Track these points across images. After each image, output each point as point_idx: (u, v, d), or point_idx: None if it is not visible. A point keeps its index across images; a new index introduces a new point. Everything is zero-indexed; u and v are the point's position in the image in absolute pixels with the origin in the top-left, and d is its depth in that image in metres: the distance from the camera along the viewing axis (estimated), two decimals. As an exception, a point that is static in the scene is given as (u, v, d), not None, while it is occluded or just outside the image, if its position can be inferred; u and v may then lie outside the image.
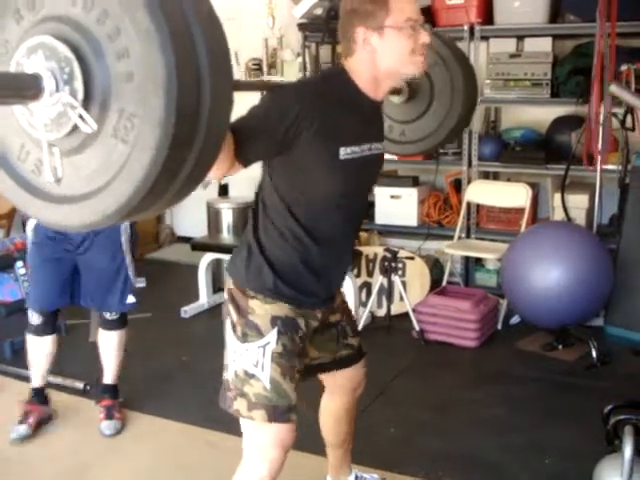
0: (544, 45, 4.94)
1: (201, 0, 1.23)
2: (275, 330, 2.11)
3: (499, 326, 4.68)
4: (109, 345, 3.46)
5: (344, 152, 2.04)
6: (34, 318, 3.34)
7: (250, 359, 2.10)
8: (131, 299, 3.39)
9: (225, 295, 2.22)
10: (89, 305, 3.51)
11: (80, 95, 1.22)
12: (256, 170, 2.11)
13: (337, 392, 2.62)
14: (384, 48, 2.03)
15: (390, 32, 2.01)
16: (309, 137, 1.94)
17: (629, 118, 4.43)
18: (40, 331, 3.36)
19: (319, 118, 1.95)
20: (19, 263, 4.73)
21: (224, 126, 1.31)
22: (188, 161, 1.25)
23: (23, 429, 3.35)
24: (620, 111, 4.45)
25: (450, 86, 2.57)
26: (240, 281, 2.16)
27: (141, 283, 3.82)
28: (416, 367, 4.20)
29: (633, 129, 4.44)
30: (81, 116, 1.22)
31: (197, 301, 5.14)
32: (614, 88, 4.09)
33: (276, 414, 2.09)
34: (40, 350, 3.39)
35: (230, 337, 2.16)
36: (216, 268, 5.27)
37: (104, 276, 3.32)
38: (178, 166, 1.24)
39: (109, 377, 3.51)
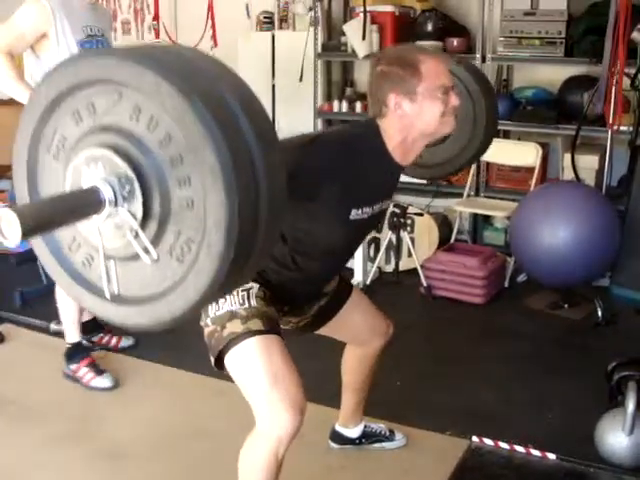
0: (559, 3, 4.89)
1: (266, 137, 1.21)
2: (257, 283, 2.18)
3: (506, 284, 4.72)
4: None
5: (355, 213, 2.10)
6: None
7: (236, 300, 2.13)
8: None
9: None
10: None
11: (139, 214, 1.21)
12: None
13: (356, 344, 2.68)
14: (416, 113, 2.07)
15: (422, 98, 2.05)
16: (326, 195, 2.00)
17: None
18: None
19: (340, 180, 2.00)
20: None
21: (278, 235, 1.35)
22: (244, 271, 1.26)
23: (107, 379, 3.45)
24: (631, 71, 4.43)
25: (472, 116, 2.57)
26: None
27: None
28: (423, 322, 4.26)
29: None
30: (137, 235, 1.23)
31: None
32: (636, 34, 4.06)
33: (270, 322, 2.12)
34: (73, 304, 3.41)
35: None
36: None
37: None
38: (233, 284, 1.28)
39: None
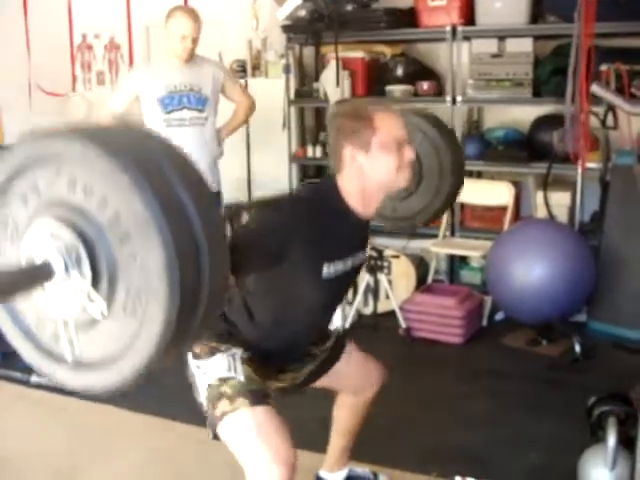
0: (525, 45, 5.00)
1: (192, 179, 1.30)
2: (239, 347, 2.22)
3: (484, 322, 4.74)
4: None
5: (327, 270, 2.14)
6: None
7: (222, 366, 2.18)
8: None
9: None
10: None
11: (88, 276, 1.29)
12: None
13: (350, 394, 2.68)
14: (371, 165, 2.10)
15: (377, 150, 2.09)
16: (294, 256, 2.02)
17: (610, 117, 4.50)
18: None
19: (306, 239, 2.03)
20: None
21: (225, 282, 1.39)
22: (196, 319, 1.31)
23: None
24: (600, 110, 4.52)
25: (438, 169, 2.64)
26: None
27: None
28: (403, 364, 4.25)
29: (614, 128, 4.50)
30: (90, 297, 1.29)
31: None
32: (595, 88, 4.16)
33: (256, 397, 2.14)
34: None
35: (196, 364, 2.23)
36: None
37: None
38: (187, 327, 1.31)
39: None
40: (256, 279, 2.20)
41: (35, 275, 1.30)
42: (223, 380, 2.16)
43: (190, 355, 2.23)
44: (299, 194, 2.22)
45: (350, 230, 2.21)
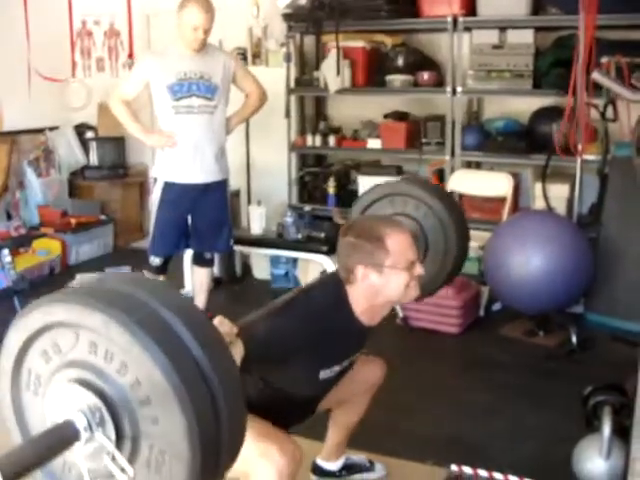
0: (526, 37, 5.00)
1: (209, 339, 1.33)
2: None
3: (481, 313, 4.76)
4: (204, 278, 4.52)
5: (324, 374, 2.22)
6: (156, 261, 4.34)
7: None
8: (232, 242, 4.57)
9: None
10: (199, 249, 4.49)
11: (112, 436, 1.32)
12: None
13: (355, 395, 2.69)
14: (383, 284, 2.17)
15: (389, 271, 2.15)
16: (296, 361, 2.11)
17: (609, 109, 4.50)
18: (160, 270, 4.35)
19: (310, 350, 2.10)
20: (5, 251, 4.73)
21: (243, 433, 1.41)
22: (219, 469, 1.37)
23: None
24: (600, 102, 4.52)
25: (443, 247, 2.69)
26: None
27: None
28: (400, 353, 4.27)
29: (614, 120, 4.51)
30: (113, 457, 1.33)
31: (182, 289, 5.17)
32: (597, 75, 4.15)
33: None
34: None
35: None
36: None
37: (215, 224, 4.36)
38: (211, 476, 1.36)
39: (201, 304, 4.35)
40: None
41: (59, 441, 1.32)
42: None
43: None
44: (311, 300, 2.23)
45: (352, 338, 2.30)
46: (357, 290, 2.20)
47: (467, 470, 2.93)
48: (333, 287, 2.24)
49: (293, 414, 2.38)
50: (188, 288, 5.15)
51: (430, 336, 4.48)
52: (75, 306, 1.32)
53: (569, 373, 3.87)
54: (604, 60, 4.40)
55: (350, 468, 2.93)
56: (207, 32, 4.07)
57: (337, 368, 2.27)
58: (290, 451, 2.08)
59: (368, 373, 2.66)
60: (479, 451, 3.15)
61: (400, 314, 4.59)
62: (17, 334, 1.41)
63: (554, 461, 3.02)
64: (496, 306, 4.80)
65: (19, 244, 5.59)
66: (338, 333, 2.18)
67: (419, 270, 2.20)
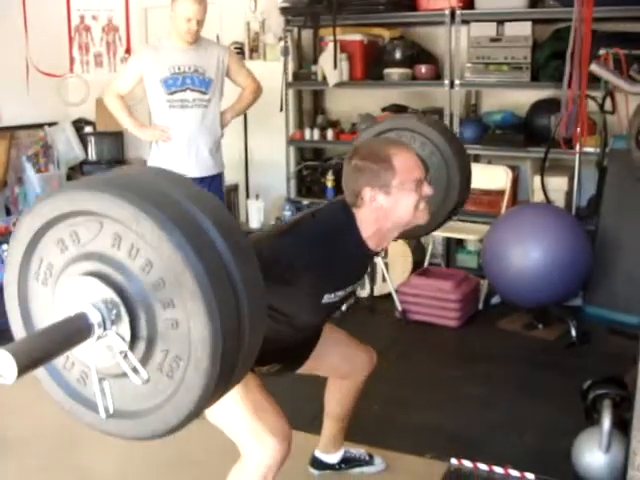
0: (524, 29, 4.98)
1: (242, 252, 1.28)
2: None
3: (480, 306, 4.76)
4: None
5: (327, 298, 2.17)
6: None
7: None
8: None
9: None
10: None
11: (127, 336, 1.27)
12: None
13: (339, 377, 2.69)
14: (391, 205, 2.13)
15: (397, 191, 2.11)
16: (301, 283, 2.06)
17: (608, 102, 4.50)
18: None
19: (316, 270, 2.06)
20: (4, 246, 4.73)
21: (260, 342, 1.37)
22: (232, 379, 1.34)
23: None
24: (598, 95, 4.52)
25: (446, 181, 2.63)
26: None
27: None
28: (399, 346, 4.28)
29: (612, 112, 4.50)
30: (126, 356, 1.28)
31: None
32: (595, 67, 4.14)
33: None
34: None
35: None
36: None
37: None
38: (223, 388, 1.33)
39: None
40: None
41: (72, 335, 1.26)
42: None
43: None
44: (317, 223, 2.21)
45: (358, 263, 2.27)
46: (365, 213, 2.15)
47: (467, 464, 2.94)
48: (341, 211, 2.21)
49: (287, 353, 2.34)
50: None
51: (429, 329, 4.49)
52: (105, 195, 1.23)
53: (568, 366, 3.88)
54: (602, 52, 4.40)
55: (349, 461, 2.93)
56: (200, 23, 4.06)
57: (340, 293, 2.21)
58: (281, 433, 2.10)
59: (354, 351, 2.65)
60: (478, 444, 3.16)
61: (399, 307, 4.60)
62: (33, 220, 1.33)
63: (554, 454, 3.03)
64: (495, 299, 4.80)
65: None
66: (344, 256, 2.14)
67: (427, 190, 2.15)
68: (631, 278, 4.38)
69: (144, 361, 1.29)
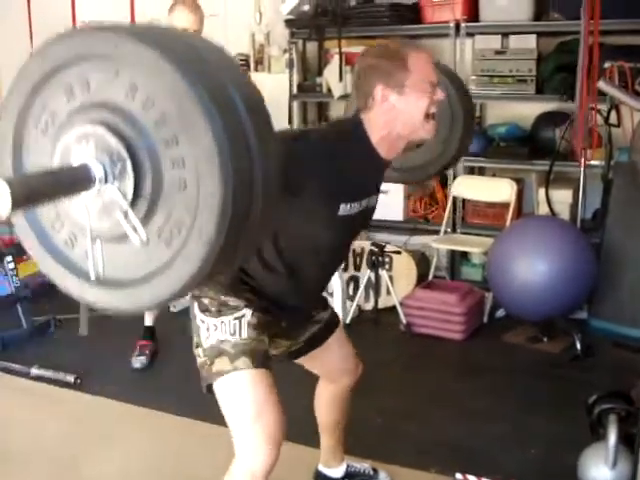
0: (529, 42, 4.99)
1: (263, 119, 1.21)
2: (249, 308, 2.18)
3: (485, 319, 4.74)
4: None
5: (343, 209, 2.10)
6: None
7: (227, 329, 2.15)
8: None
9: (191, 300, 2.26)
10: None
11: (129, 193, 1.18)
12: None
13: (328, 379, 2.67)
14: (403, 106, 2.08)
15: (409, 91, 2.07)
16: (311, 190, 2.00)
17: (613, 115, 4.49)
18: None
19: (326, 178, 2.01)
20: (8, 258, 4.72)
21: (265, 234, 1.29)
22: (229, 265, 1.26)
23: (143, 359, 4.01)
24: (604, 107, 4.52)
25: (449, 122, 2.58)
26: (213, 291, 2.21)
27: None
28: (403, 359, 4.26)
29: (618, 125, 4.50)
30: (126, 215, 1.19)
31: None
32: (602, 84, 4.15)
33: (259, 358, 2.13)
34: None
35: (201, 318, 2.19)
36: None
37: None
38: (219, 272, 1.25)
39: (149, 320, 4.13)
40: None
41: (71, 182, 1.17)
42: (225, 341, 2.14)
43: (196, 304, 2.20)
44: (326, 129, 2.17)
45: (370, 171, 2.20)
46: (375, 115, 2.10)
47: (472, 478, 2.92)
48: (351, 118, 2.17)
49: (302, 285, 2.28)
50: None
51: (433, 342, 4.47)
52: (127, 41, 1.14)
53: (573, 380, 3.85)
54: (607, 65, 4.40)
55: (353, 476, 2.91)
56: (197, 33, 4.05)
57: (356, 206, 2.14)
58: (271, 436, 2.09)
59: (347, 352, 2.62)
60: (483, 458, 3.13)
61: (403, 320, 4.58)
62: (40, 62, 1.24)
63: (559, 469, 3.00)
64: (500, 312, 4.78)
65: (22, 252, 5.57)
66: (356, 162, 2.10)
67: (440, 95, 2.12)
68: (636, 291, 4.36)
69: (143, 224, 1.20)
